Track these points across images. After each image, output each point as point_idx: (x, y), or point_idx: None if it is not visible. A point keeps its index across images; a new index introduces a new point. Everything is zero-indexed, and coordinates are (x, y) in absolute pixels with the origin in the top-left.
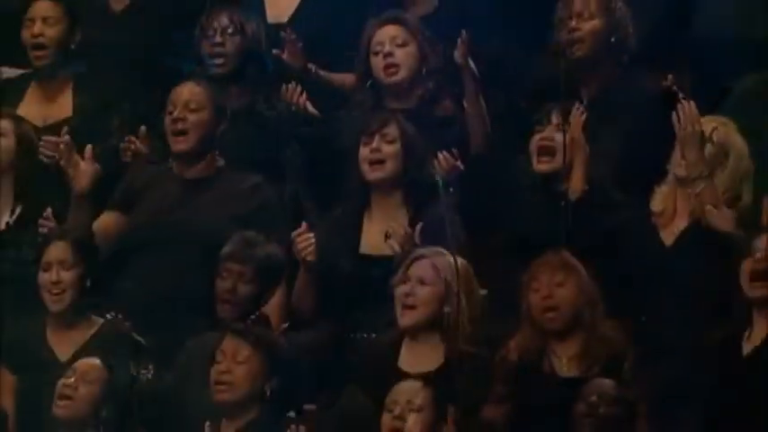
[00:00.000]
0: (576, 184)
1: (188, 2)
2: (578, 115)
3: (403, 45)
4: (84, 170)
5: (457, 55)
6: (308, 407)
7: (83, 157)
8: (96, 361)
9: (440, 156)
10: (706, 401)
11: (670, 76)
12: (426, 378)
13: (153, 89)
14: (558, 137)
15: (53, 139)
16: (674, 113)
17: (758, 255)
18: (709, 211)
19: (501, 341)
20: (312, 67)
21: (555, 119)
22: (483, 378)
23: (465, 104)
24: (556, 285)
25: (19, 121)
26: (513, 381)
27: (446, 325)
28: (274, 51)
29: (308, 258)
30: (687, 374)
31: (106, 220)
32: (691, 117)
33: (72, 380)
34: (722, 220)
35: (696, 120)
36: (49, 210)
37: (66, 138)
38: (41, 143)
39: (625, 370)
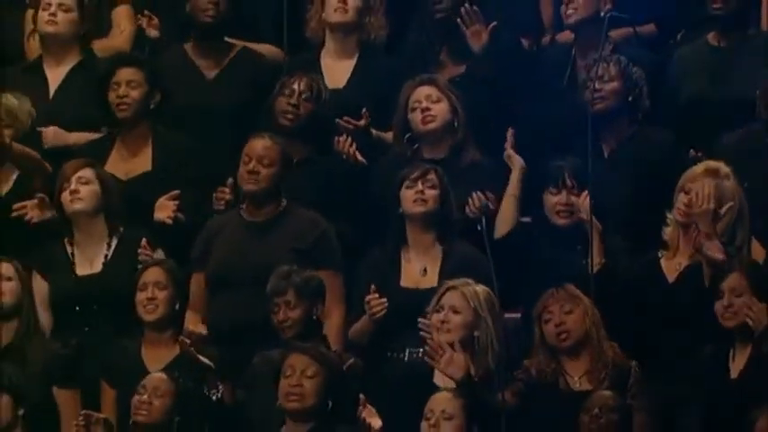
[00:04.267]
0: (595, 258)
1: (267, 73)
2: (586, 201)
3: (437, 101)
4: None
5: (505, 152)
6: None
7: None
8: (163, 375)
9: (473, 196)
10: (699, 412)
11: (700, 153)
12: (457, 389)
13: (231, 144)
14: (573, 199)
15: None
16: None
17: (726, 301)
18: (705, 243)
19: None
20: (373, 131)
21: (569, 181)
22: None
23: (504, 198)
24: (565, 313)
25: (98, 167)
26: (531, 388)
27: (477, 347)
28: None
29: (379, 317)
30: (682, 389)
31: (196, 286)
32: (705, 197)
33: (145, 396)
34: (714, 250)
35: (710, 199)
36: (144, 240)
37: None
38: None
39: (630, 384)
